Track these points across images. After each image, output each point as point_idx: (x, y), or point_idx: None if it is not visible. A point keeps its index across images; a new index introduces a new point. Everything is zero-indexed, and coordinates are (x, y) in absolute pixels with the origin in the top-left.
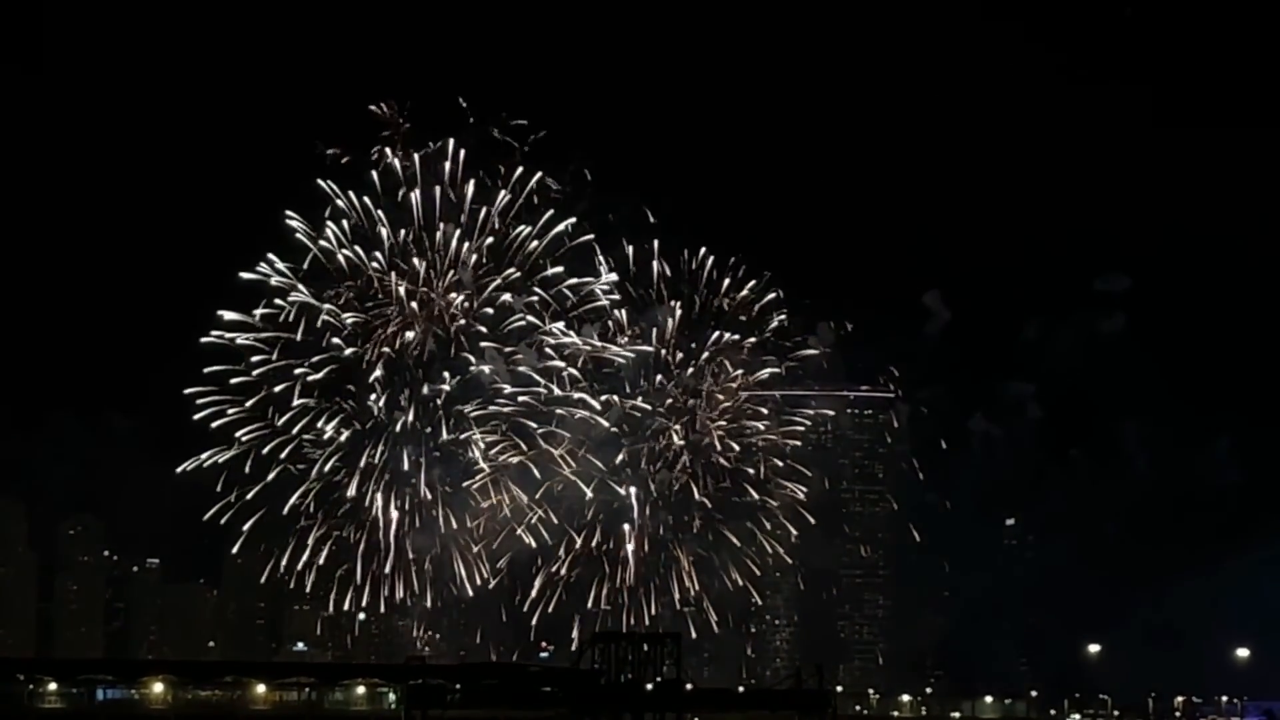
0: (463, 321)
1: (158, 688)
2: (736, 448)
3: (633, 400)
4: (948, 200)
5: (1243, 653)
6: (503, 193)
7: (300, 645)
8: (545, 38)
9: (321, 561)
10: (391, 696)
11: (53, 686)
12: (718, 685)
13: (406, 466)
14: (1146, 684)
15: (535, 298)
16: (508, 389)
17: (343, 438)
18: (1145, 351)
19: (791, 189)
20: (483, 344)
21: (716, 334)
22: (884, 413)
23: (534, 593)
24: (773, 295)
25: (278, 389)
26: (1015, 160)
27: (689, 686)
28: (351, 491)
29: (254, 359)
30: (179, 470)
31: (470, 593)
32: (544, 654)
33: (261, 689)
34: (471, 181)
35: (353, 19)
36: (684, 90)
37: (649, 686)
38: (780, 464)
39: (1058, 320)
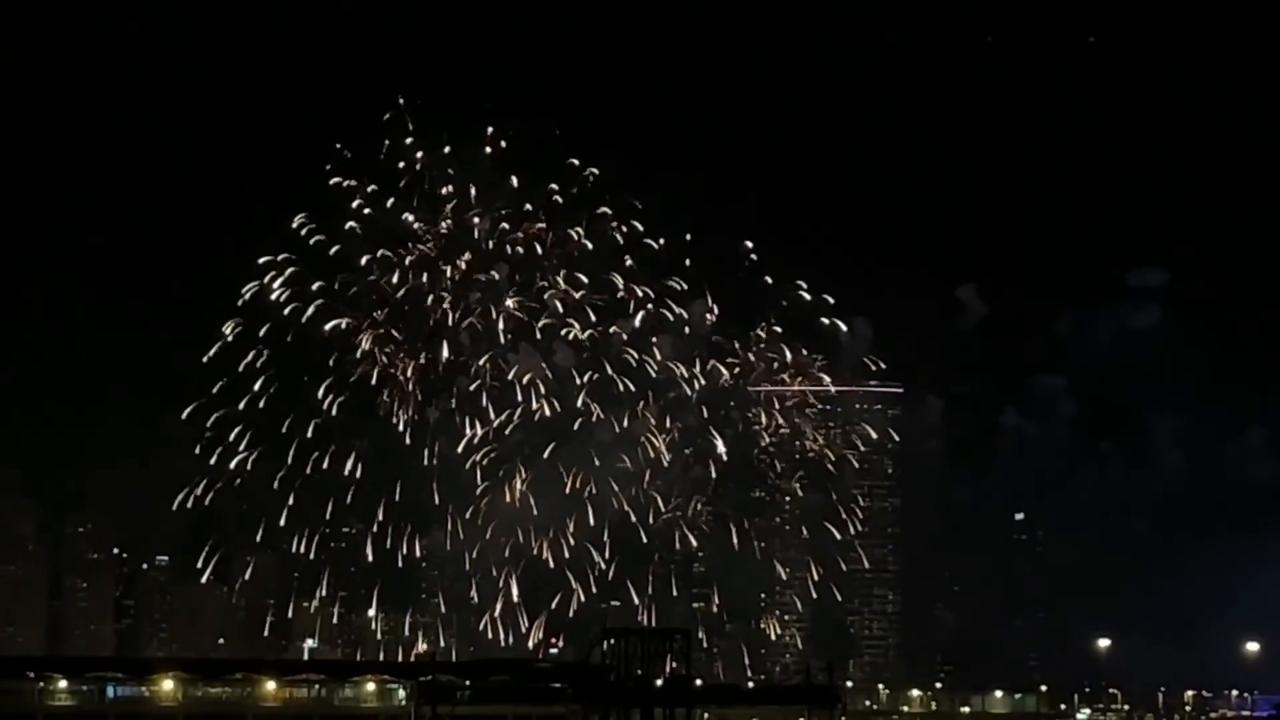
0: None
1: (167, 685)
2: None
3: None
4: (983, 194)
5: (1253, 647)
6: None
7: (310, 642)
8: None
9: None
10: (401, 693)
11: (63, 684)
12: (727, 681)
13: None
14: (1157, 678)
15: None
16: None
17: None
18: (1179, 345)
19: (826, 182)
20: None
21: (754, 330)
22: (894, 407)
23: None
24: (806, 291)
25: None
26: (1050, 153)
27: (698, 682)
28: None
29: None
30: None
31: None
32: (553, 650)
33: (271, 686)
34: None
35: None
36: (717, 82)
37: (658, 682)
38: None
39: (1091, 314)
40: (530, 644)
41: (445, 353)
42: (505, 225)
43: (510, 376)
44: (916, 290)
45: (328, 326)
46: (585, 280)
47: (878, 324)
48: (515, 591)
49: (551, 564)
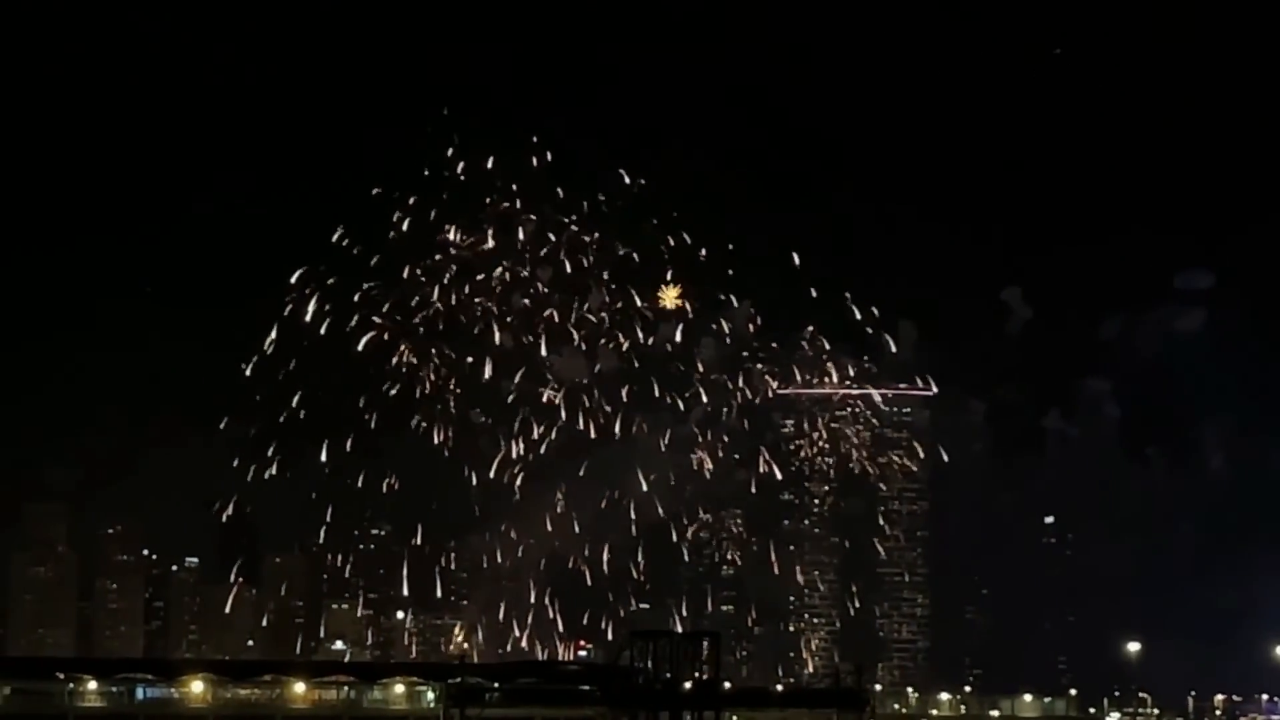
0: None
1: (197, 686)
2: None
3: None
4: (1030, 197)
5: None
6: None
7: (339, 644)
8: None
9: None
10: (430, 695)
11: (92, 685)
12: (755, 684)
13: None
14: (1188, 682)
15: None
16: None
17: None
18: (1224, 349)
19: (872, 188)
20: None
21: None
22: (925, 411)
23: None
24: (850, 298)
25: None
26: (1097, 157)
27: (727, 685)
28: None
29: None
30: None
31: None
32: (583, 652)
33: (300, 688)
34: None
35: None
36: (760, 90)
37: (687, 685)
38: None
39: (1137, 317)
40: (559, 647)
41: (487, 361)
42: (551, 235)
43: (551, 384)
44: (962, 294)
45: (367, 337)
46: (628, 289)
47: (922, 328)
48: (546, 595)
49: (582, 568)
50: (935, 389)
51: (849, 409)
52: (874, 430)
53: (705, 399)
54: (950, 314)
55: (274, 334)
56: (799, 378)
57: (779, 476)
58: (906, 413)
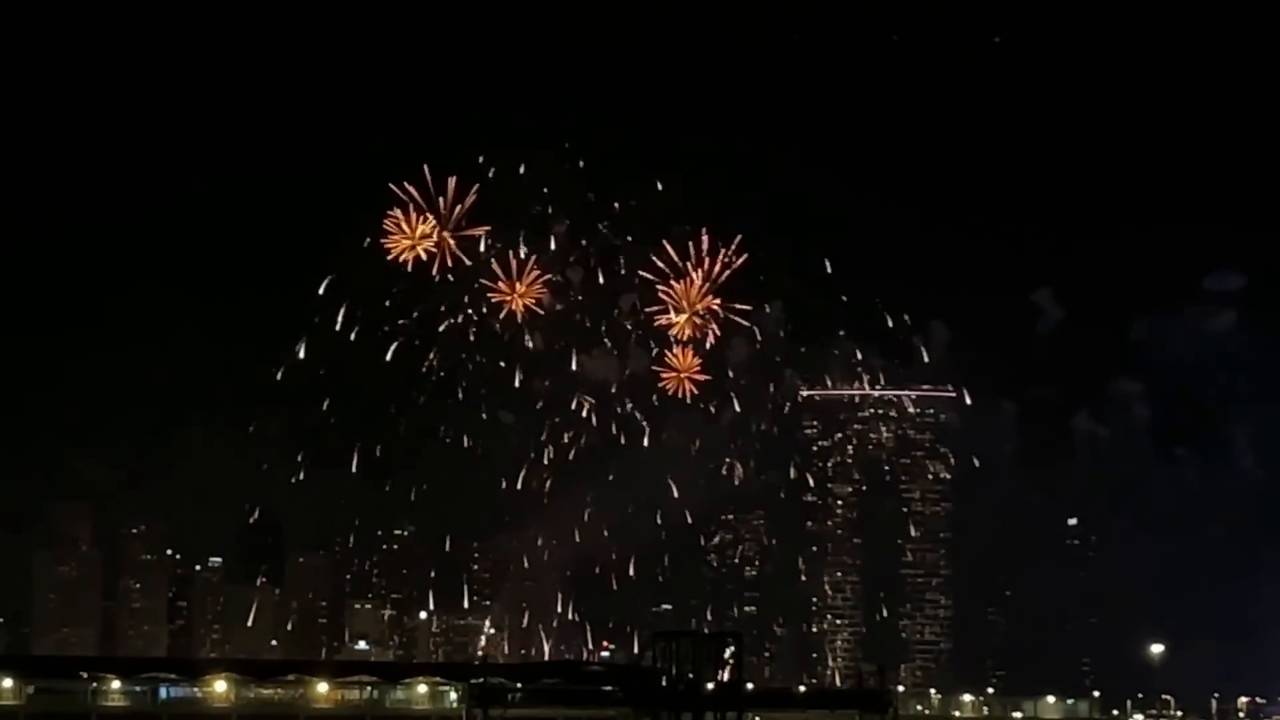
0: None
1: (220, 686)
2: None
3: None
4: (1061, 198)
5: None
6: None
7: (362, 644)
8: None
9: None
10: (453, 695)
11: (116, 685)
12: (778, 685)
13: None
14: (1213, 684)
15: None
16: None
17: None
18: (1255, 350)
19: (904, 188)
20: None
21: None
22: (946, 412)
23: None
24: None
25: None
26: (1129, 159)
27: (749, 686)
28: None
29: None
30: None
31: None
32: (605, 653)
33: (323, 687)
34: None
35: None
36: (791, 94)
37: (709, 686)
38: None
39: (1168, 319)
40: (583, 648)
41: (518, 364)
42: (583, 242)
43: (582, 389)
44: (993, 295)
45: (395, 345)
46: (658, 292)
47: (954, 330)
48: (569, 596)
49: (606, 569)
50: (959, 391)
51: (873, 411)
52: (898, 432)
53: (736, 404)
54: (981, 316)
55: (304, 343)
56: (827, 381)
57: (806, 479)
58: (930, 414)
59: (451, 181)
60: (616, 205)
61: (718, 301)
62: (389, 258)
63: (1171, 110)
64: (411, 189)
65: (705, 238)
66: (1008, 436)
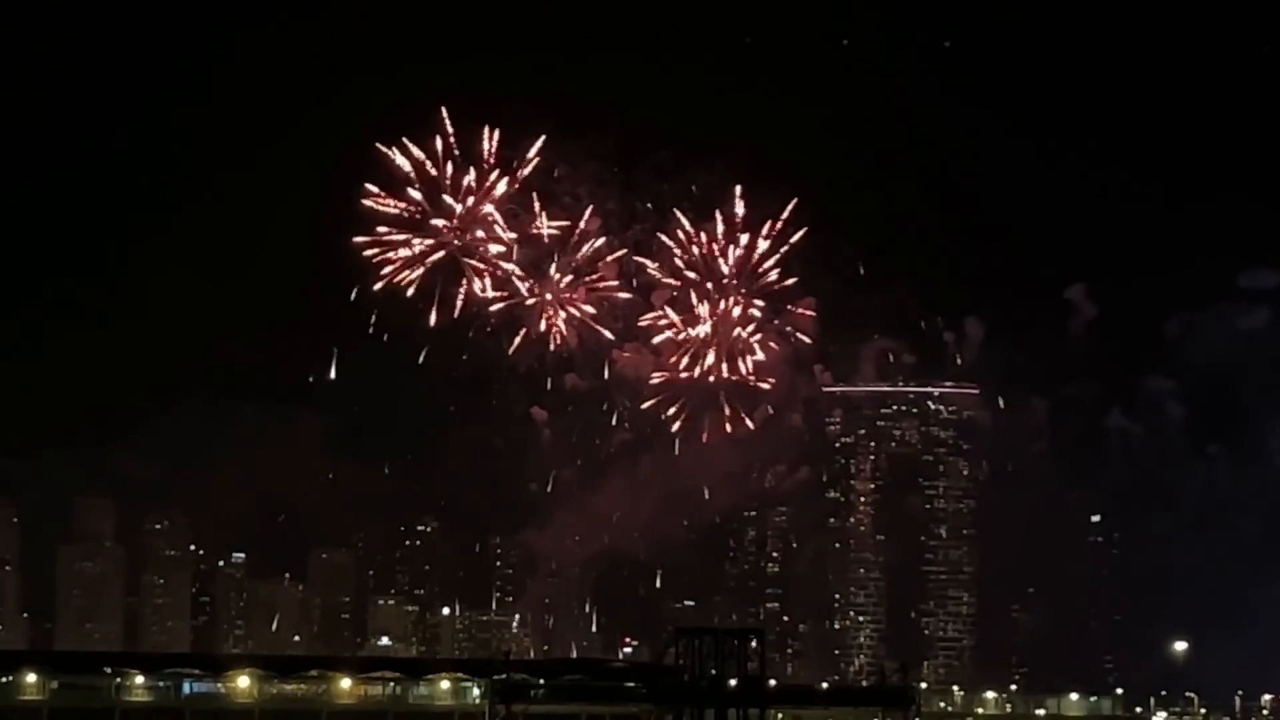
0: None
1: (243, 682)
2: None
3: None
4: (1095, 194)
5: None
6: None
7: (385, 640)
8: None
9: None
10: (475, 691)
11: (139, 680)
12: (801, 681)
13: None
14: (1240, 683)
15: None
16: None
17: None
18: None
19: (938, 182)
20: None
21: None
22: (973, 409)
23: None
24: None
25: None
26: (1162, 153)
27: (772, 682)
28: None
29: None
30: None
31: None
32: (628, 649)
33: (346, 683)
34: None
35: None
36: (822, 86)
37: (732, 682)
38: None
39: (1202, 316)
40: (605, 644)
41: (550, 351)
42: (611, 233)
43: (616, 385)
44: (1026, 292)
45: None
46: (691, 280)
47: (989, 326)
48: (592, 592)
49: (630, 566)
50: (993, 388)
51: (896, 407)
52: (921, 429)
53: (765, 394)
54: (1014, 313)
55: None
56: (854, 376)
57: (829, 476)
58: (954, 411)
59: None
60: (650, 197)
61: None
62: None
63: (1208, 106)
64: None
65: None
66: (1039, 434)
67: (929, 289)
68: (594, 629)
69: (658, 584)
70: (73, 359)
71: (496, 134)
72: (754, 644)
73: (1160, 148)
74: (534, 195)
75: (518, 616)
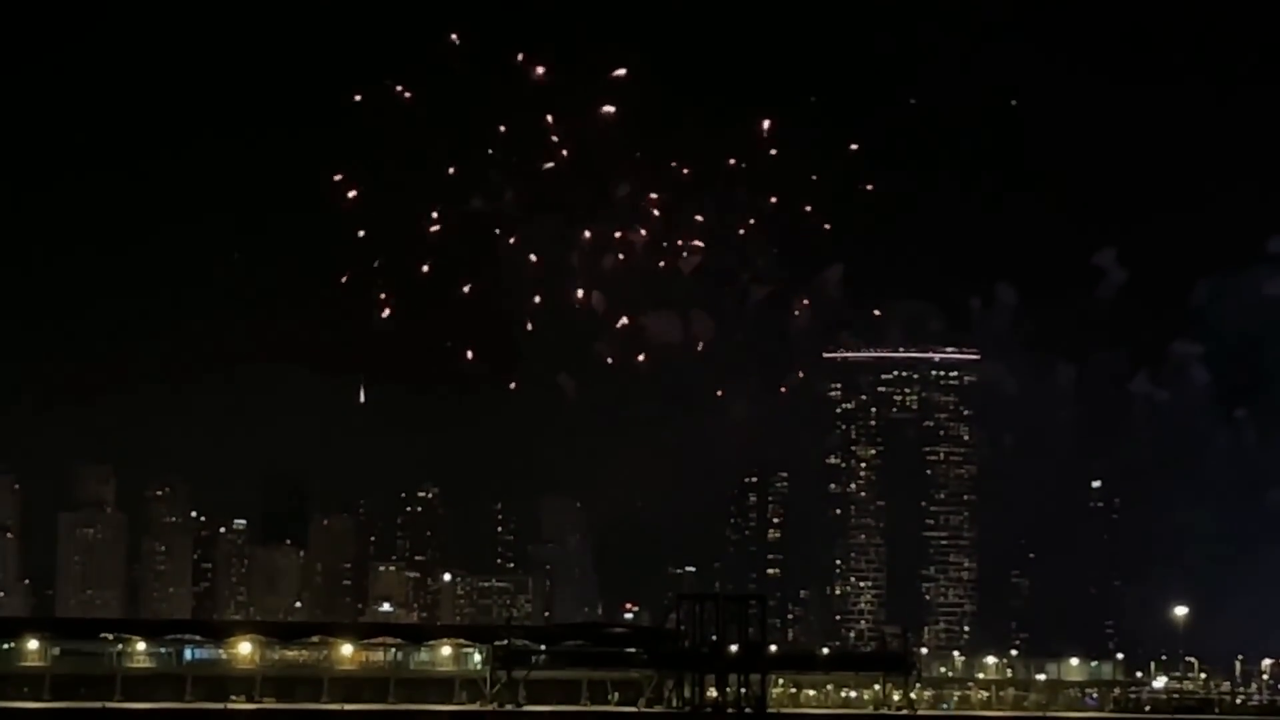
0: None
1: (244, 648)
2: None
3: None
4: (1125, 160)
5: None
6: None
7: (386, 606)
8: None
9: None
10: (477, 657)
11: (141, 646)
12: (802, 646)
13: None
14: (1244, 648)
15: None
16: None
17: None
18: None
19: (970, 148)
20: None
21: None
22: (970, 374)
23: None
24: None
25: None
26: (1193, 122)
27: (773, 648)
28: None
29: None
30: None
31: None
32: (628, 615)
33: (348, 649)
34: None
35: None
36: (856, 49)
37: (732, 648)
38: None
39: (1230, 280)
40: (606, 609)
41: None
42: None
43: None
44: (1055, 258)
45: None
46: (721, 247)
47: (1018, 291)
48: (594, 558)
49: (631, 532)
50: (979, 354)
51: (897, 373)
52: (922, 395)
53: (791, 356)
54: (1043, 278)
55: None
56: (880, 341)
57: (829, 441)
58: (954, 377)
59: None
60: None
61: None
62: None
63: (1242, 74)
64: None
65: None
66: (1065, 400)
67: (956, 255)
68: (595, 594)
69: (658, 550)
70: (72, 327)
71: None
72: (755, 609)
73: (1193, 114)
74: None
75: (505, 586)
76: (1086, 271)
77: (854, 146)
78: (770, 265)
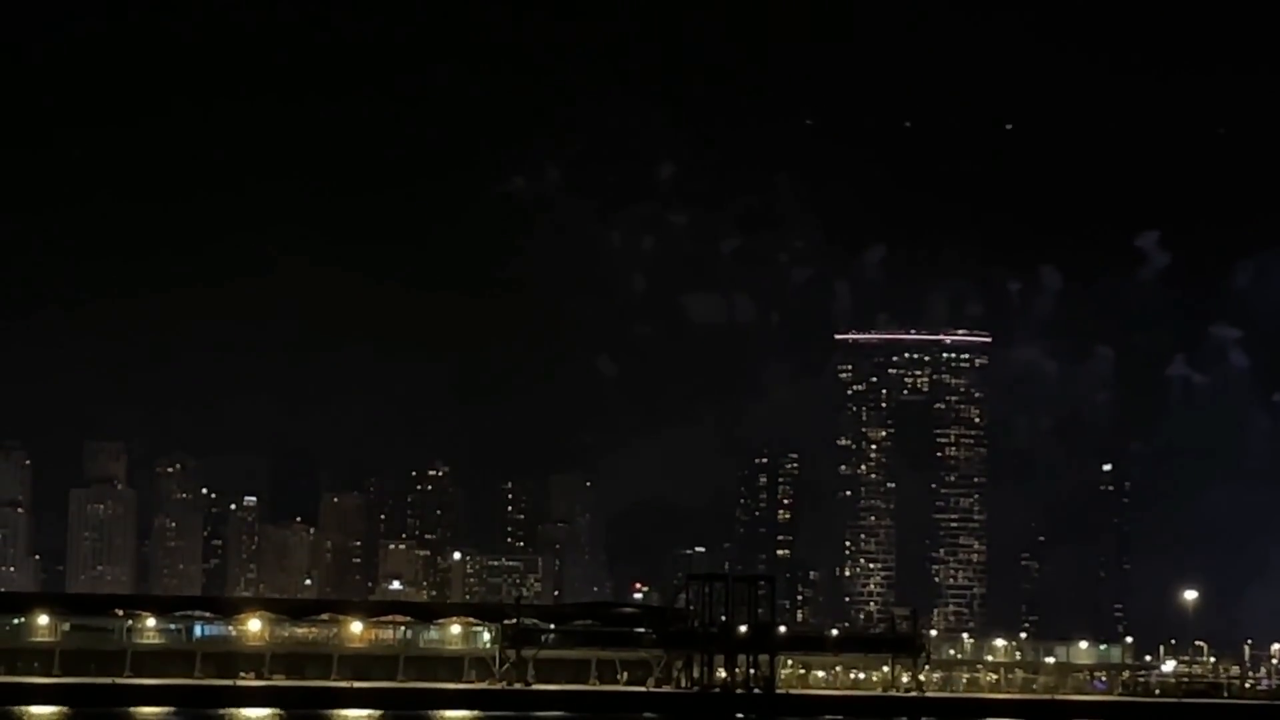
0: None
1: (254, 625)
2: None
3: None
4: (1165, 144)
5: None
6: None
7: (396, 584)
8: None
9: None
10: (486, 636)
11: (151, 623)
12: (811, 628)
13: None
14: (1256, 632)
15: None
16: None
17: None
18: None
19: (1007, 133)
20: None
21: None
22: (981, 356)
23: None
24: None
25: None
26: (1233, 104)
27: (782, 629)
28: None
29: None
30: None
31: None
32: (638, 594)
33: (357, 627)
34: None
35: None
36: (900, 41)
37: (741, 629)
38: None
39: (1269, 264)
40: (616, 589)
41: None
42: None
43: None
44: (1096, 240)
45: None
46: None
47: (1061, 274)
48: (603, 538)
49: (641, 512)
50: (991, 337)
51: (908, 355)
52: (932, 376)
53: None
54: (1083, 260)
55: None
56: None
57: (840, 423)
58: (966, 359)
59: None
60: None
61: None
62: None
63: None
64: None
65: None
66: (1104, 383)
67: (996, 237)
68: (605, 574)
69: (667, 530)
70: (84, 309)
71: None
72: (764, 590)
73: (1234, 99)
74: None
75: (515, 565)
76: (1129, 254)
77: (907, 124)
78: (811, 247)
